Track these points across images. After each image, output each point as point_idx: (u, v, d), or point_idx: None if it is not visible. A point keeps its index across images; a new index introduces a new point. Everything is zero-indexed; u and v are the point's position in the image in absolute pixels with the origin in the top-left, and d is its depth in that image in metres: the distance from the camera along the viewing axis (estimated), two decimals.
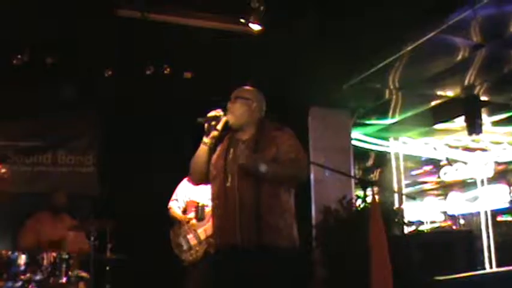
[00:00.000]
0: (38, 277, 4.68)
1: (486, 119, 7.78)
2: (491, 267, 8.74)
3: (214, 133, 3.27)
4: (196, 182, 3.61)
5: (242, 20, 5.23)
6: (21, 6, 5.04)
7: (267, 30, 5.28)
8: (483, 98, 7.16)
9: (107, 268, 5.25)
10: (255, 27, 5.23)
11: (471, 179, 10.40)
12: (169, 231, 5.12)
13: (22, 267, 4.66)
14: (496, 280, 4.01)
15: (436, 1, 4.92)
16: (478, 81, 6.63)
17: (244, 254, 3.03)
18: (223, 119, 3.27)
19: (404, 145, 9.21)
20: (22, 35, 5.54)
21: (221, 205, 3.20)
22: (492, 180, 10.16)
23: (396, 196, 8.46)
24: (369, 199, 4.46)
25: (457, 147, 9.55)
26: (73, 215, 5.87)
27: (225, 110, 3.30)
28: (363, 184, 4.47)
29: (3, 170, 5.34)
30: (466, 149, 9.60)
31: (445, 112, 7.67)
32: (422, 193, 12.08)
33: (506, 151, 9.55)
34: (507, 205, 10.62)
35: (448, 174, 10.79)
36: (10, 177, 5.45)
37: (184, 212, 5.14)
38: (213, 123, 3.25)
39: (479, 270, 6.56)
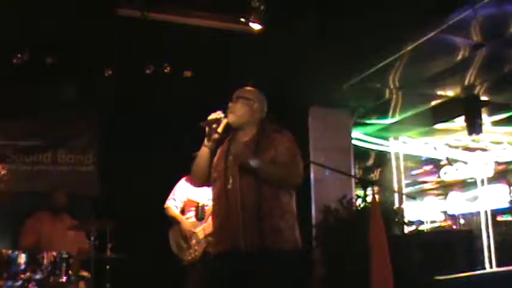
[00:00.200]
0: (38, 276, 4.68)
1: (486, 119, 7.78)
2: (491, 267, 8.74)
3: (215, 136, 3.27)
4: (198, 184, 3.62)
5: (242, 19, 5.23)
6: (21, 6, 5.04)
7: (267, 29, 5.28)
8: (483, 97, 7.16)
9: (107, 267, 5.25)
10: (255, 26, 5.23)
11: (471, 178, 10.40)
12: (168, 231, 5.12)
13: (22, 266, 4.65)
14: (496, 280, 4.01)
15: (436, 1, 4.92)
16: (478, 81, 6.63)
17: (247, 256, 3.03)
18: (224, 121, 3.27)
19: (404, 145, 9.21)
20: (22, 34, 5.54)
21: (222, 207, 3.19)
22: (492, 180, 10.16)
23: (396, 196, 8.46)
24: (369, 199, 4.47)
25: (457, 147, 9.55)
26: (73, 214, 5.86)
27: (225, 111, 3.30)
28: (363, 184, 4.48)
29: (3, 172, 5.34)
30: (466, 148, 9.60)
31: (445, 112, 7.66)
32: (423, 193, 12.09)
33: (506, 151, 9.55)
34: (507, 205, 10.62)
35: (448, 174, 10.79)
36: (9, 178, 5.44)
37: (182, 211, 5.13)
38: (214, 126, 3.25)
39: (479, 270, 6.55)
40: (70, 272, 4.86)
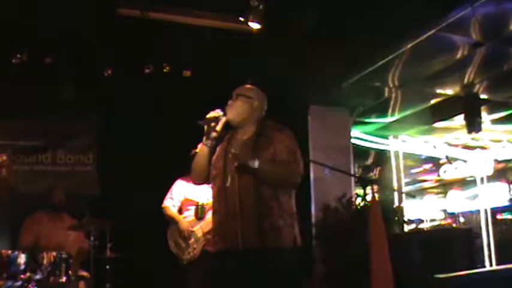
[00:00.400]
0: (37, 276, 4.67)
1: (486, 117, 7.77)
2: (491, 265, 8.74)
3: (214, 134, 3.27)
4: (198, 182, 3.62)
5: (241, 19, 5.22)
6: (20, 5, 5.04)
7: (267, 28, 5.28)
8: (483, 96, 7.16)
9: (107, 267, 5.25)
10: (254, 25, 5.23)
11: (471, 177, 10.39)
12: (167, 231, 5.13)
13: (22, 267, 4.65)
14: (496, 278, 4.01)
15: None
16: (478, 79, 6.63)
17: (245, 255, 3.03)
18: (223, 120, 3.27)
19: (404, 143, 9.21)
20: (21, 34, 5.54)
21: (221, 205, 3.19)
22: (492, 178, 10.15)
23: (396, 194, 8.46)
24: (368, 197, 4.45)
25: (456, 146, 9.55)
26: (72, 214, 5.86)
27: (224, 109, 3.29)
28: (363, 182, 4.46)
29: (4, 157, 5.31)
30: (466, 147, 9.60)
31: (444, 110, 7.67)
32: (422, 191, 12.07)
33: (506, 149, 9.55)
34: (507, 203, 10.61)
35: (448, 173, 10.79)
36: (10, 167, 5.41)
37: (180, 210, 5.14)
38: (213, 124, 3.25)
39: (479, 268, 6.55)
40: (70, 272, 4.86)
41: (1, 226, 6.19)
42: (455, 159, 10.21)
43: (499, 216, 10.40)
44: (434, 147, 9.44)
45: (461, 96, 7.16)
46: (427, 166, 11.19)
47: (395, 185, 9.24)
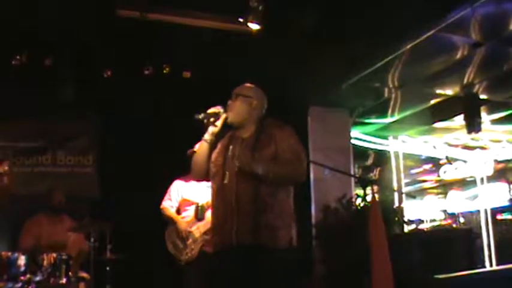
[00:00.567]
0: (38, 278, 4.68)
1: (485, 117, 7.78)
2: (491, 265, 8.74)
3: (214, 129, 3.28)
4: (197, 178, 3.62)
5: (241, 20, 5.22)
6: (20, 7, 5.04)
7: (266, 29, 5.28)
8: (482, 96, 7.16)
9: (107, 269, 5.25)
10: (254, 26, 5.23)
11: (471, 177, 10.39)
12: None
13: (22, 268, 4.66)
14: (496, 278, 4.01)
15: None
16: (478, 79, 6.63)
17: (239, 253, 3.03)
18: (223, 116, 3.27)
19: (403, 144, 9.21)
20: (21, 35, 5.54)
21: (219, 202, 3.21)
22: (492, 178, 10.15)
23: (396, 195, 8.46)
24: (368, 198, 4.46)
25: (456, 146, 9.55)
26: (73, 215, 5.86)
27: (225, 107, 3.30)
28: (363, 183, 4.47)
29: (6, 167, 5.32)
30: (466, 147, 9.60)
31: (444, 110, 7.66)
32: (422, 192, 12.07)
33: (506, 149, 9.55)
34: (507, 203, 10.61)
35: (448, 173, 10.79)
36: (11, 175, 5.41)
37: (178, 211, 5.13)
38: (212, 119, 3.26)
39: (479, 268, 6.55)
40: (70, 273, 4.86)
41: (1, 228, 6.19)
42: (455, 160, 10.21)
43: (499, 217, 10.39)
44: (434, 147, 9.44)
45: (461, 97, 7.16)
46: (427, 166, 11.19)
47: (395, 185, 9.23)
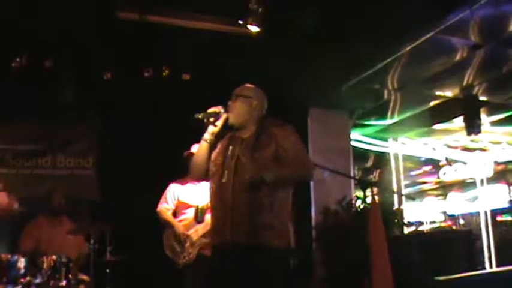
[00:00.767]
0: (37, 280, 4.67)
1: (485, 119, 7.78)
2: (491, 267, 8.73)
3: (214, 129, 3.28)
4: (197, 178, 3.63)
5: (240, 22, 5.23)
6: (20, 9, 5.04)
7: (266, 31, 5.28)
8: (482, 98, 7.16)
9: (107, 271, 5.24)
10: (253, 28, 5.23)
11: (470, 179, 10.40)
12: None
13: (22, 271, 4.65)
14: (496, 280, 4.01)
15: (434, 1, 4.92)
16: (477, 81, 6.64)
17: (236, 253, 3.03)
18: (223, 116, 3.28)
19: (403, 145, 9.22)
20: (21, 37, 5.54)
21: (217, 202, 3.21)
22: (491, 180, 10.16)
23: (396, 197, 8.47)
24: (368, 200, 4.46)
25: (456, 148, 9.55)
26: (72, 218, 5.86)
27: (225, 107, 3.30)
28: (363, 185, 4.47)
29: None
30: (465, 149, 9.61)
31: (444, 112, 7.67)
32: (422, 193, 12.07)
33: (505, 151, 9.55)
34: (507, 205, 10.61)
35: (448, 175, 10.79)
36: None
37: (175, 214, 5.08)
38: (212, 119, 3.26)
39: (480, 270, 6.55)
40: (70, 275, 4.85)
41: (1, 230, 6.18)
42: (455, 161, 10.21)
43: (499, 218, 10.39)
44: (434, 149, 9.45)
45: (460, 98, 7.16)
46: (427, 168, 11.19)
47: (395, 187, 9.24)
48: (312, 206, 7.02)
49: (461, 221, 11.21)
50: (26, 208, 5.32)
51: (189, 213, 4.99)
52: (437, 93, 7.18)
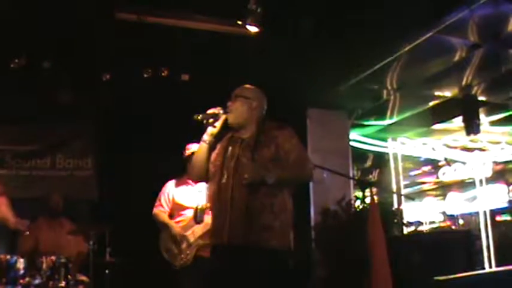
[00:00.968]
0: (37, 281, 4.67)
1: (484, 119, 7.78)
2: (490, 266, 8.73)
3: (213, 130, 3.28)
4: (196, 179, 3.63)
5: (239, 22, 5.23)
6: (18, 11, 5.04)
7: (265, 32, 5.28)
8: (481, 98, 7.17)
9: (106, 271, 5.24)
10: (252, 29, 5.23)
11: (470, 179, 10.39)
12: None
13: (21, 272, 4.65)
14: (495, 280, 4.01)
15: (433, 1, 4.92)
16: (476, 81, 6.64)
17: (235, 253, 3.02)
18: (222, 117, 3.28)
19: (402, 146, 9.21)
20: (19, 39, 5.54)
21: (216, 202, 3.21)
22: (491, 180, 10.15)
23: (395, 197, 8.46)
24: (367, 200, 4.47)
25: (455, 148, 9.55)
26: (72, 218, 5.86)
27: (224, 108, 3.30)
28: (362, 185, 4.48)
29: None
30: (465, 149, 9.60)
31: (443, 112, 7.67)
32: (421, 193, 12.06)
33: (505, 151, 9.55)
34: (506, 205, 10.61)
35: (447, 175, 10.79)
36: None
37: (171, 216, 5.03)
38: (211, 120, 3.26)
39: (479, 270, 6.55)
40: (69, 276, 4.85)
41: (0, 232, 6.18)
42: (454, 161, 10.21)
43: (498, 218, 10.40)
44: (433, 149, 9.44)
45: (459, 98, 7.16)
46: (426, 168, 11.19)
47: (394, 187, 9.23)
48: (311, 206, 7.02)
49: (461, 221, 11.21)
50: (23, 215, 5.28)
51: (186, 215, 4.94)
52: (436, 93, 7.18)
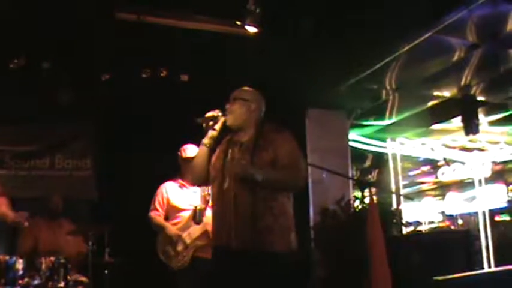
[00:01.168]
0: (36, 282, 4.66)
1: (483, 119, 7.78)
2: (489, 266, 8.73)
3: (213, 133, 3.28)
4: (197, 183, 3.63)
5: (238, 23, 5.23)
6: (18, 11, 5.04)
7: (265, 32, 5.28)
8: (480, 98, 7.17)
9: (105, 272, 5.24)
10: (251, 29, 5.23)
11: (469, 179, 10.40)
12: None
13: (20, 272, 4.64)
14: (494, 280, 4.02)
15: (432, 1, 4.93)
16: (475, 81, 6.64)
17: (238, 257, 3.03)
18: (222, 120, 3.28)
19: (401, 146, 9.21)
20: (18, 39, 5.54)
21: (218, 206, 3.21)
22: (490, 180, 10.16)
23: (394, 197, 8.46)
24: (366, 200, 4.46)
25: (454, 148, 9.56)
26: (71, 219, 5.86)
27: (223, 111, 3.30)
28: (361, 185, 4.48)
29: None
30: (464, 149, 9.61)
31: (442, 112, 7.68)
32: (420, 193, 12.08)
33: (504, 151, 9.56)
34: (505, 205, 10.62)
35: (446, 175, 10.80)
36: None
37: (167, 218, 5.00)
38: (211, 123, 3.26)
39: (478, 270, 6.55)
40: (68, 277, 4.85)
41: None
42: (453, 161, 10.21)
43: (497, 218, 10.42)
44: (432, 149, 9.45)
45: (458, 99, 7.17)
46: (425, 168, 11.20)
47: (393, 187, 9.23)
48: (310, 206, 7.02)
49: (460, 221, 11.23)
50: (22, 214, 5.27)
51: (182, 217, 4.93)
52: (435, 93, 7.18)
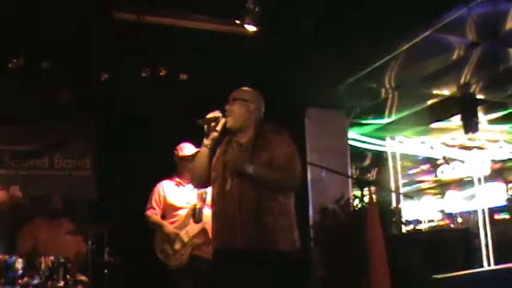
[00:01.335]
0: (35, 281, 4.66)
1: (482, 118, 7.79)
2: (489, 265, 8.75)
3: (214, 134, 3.29)
4: (198, 184, 3.64)
5: (237, 21, 5.23)
6: (18, 11, 5.04)
7: (264, 31, 5.28)
8: (479, 96, 7.17)
9: (105, 271, 5.24)
10: (250, 28, 5.23)
11: (468, 177, 10.42)
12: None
13: (20, 272, 4.64)
14: (493, 278, 4.02)
15: (431, 0, 4.93)
16: (474, 79, 6.65)
17: (245, 256, 3.03)
18: (222, 121, 3.28)
19: (401, 144, 9.22)
20: (18, 38, 5.53)
21: (220, 208, 3.20)
22: (489, 178, 10.18)
23: (394, 195, 8.47)
24: (366, 199, 4.46)
25: (453, 146, 9.57)
26: (71, 218, 5.86)
27: (223, 112, 3.30)
28: (360, 184, 4.48)
29: (17, 193, 5.31)
30: (463, 147, 9.61)
31: (441, 111, 7.68)
32: (420, 192, 12.10)
33: (503, 149, 9.56)
34: (504, 203, 10.64)
35: (445, 173, 10.82)
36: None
37: (164, 217, 5.01)
38: (212, 124, 3.27)
39: (477, 268, 6.56)
40: (68, 276, 4.85)
41: None
42: (453, 160, 10.23)
43: (496, 216, 10.44)
44: (432, 148, 9.45)
45: (457, 97, 7.17)
46: (425, 167, 11.21)
47: (392, 186, 9.24)
48: (310, 205, 7.02)
49: (459, 220, 11.26)
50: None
51: (179, 215, 4.93)
52: (435, 91, 7.18)
